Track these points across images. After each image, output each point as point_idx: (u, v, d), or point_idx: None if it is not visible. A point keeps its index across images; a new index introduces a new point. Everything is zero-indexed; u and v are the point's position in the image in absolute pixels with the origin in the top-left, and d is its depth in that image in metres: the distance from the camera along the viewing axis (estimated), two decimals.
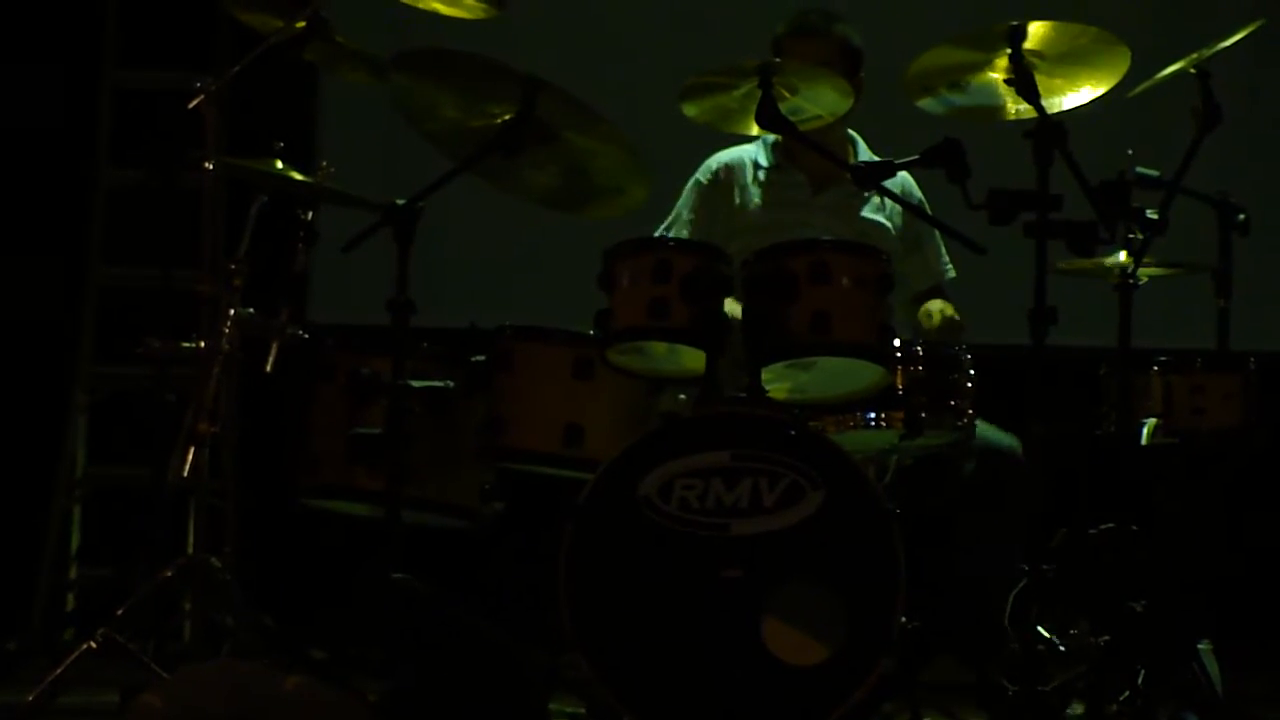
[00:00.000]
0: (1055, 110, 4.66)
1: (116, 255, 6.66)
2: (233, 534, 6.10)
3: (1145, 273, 4.93)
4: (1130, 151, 4.91)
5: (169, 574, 4.81)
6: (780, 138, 5.30)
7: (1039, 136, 4.47)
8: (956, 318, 5.13)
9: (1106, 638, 4.70)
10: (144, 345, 4.99)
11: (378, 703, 4.30)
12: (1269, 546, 6.40)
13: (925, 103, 4.78)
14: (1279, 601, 6.30)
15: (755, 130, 4.73)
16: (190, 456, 4.67)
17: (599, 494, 4.38)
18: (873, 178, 4.80)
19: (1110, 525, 4.88)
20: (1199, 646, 4.79)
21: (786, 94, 4.65)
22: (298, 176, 4.91)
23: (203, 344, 4.83)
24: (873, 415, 4.71)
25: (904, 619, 4.38)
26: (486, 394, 4.70)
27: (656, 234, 5.23)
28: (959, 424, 4.76)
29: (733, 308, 4.55)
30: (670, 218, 5.39)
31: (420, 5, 4.91)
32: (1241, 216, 5.25)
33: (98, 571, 6.45)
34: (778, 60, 4.74)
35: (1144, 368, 5.08)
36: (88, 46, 6.77)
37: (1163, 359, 5.10)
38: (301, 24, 4.91)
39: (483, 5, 4.87)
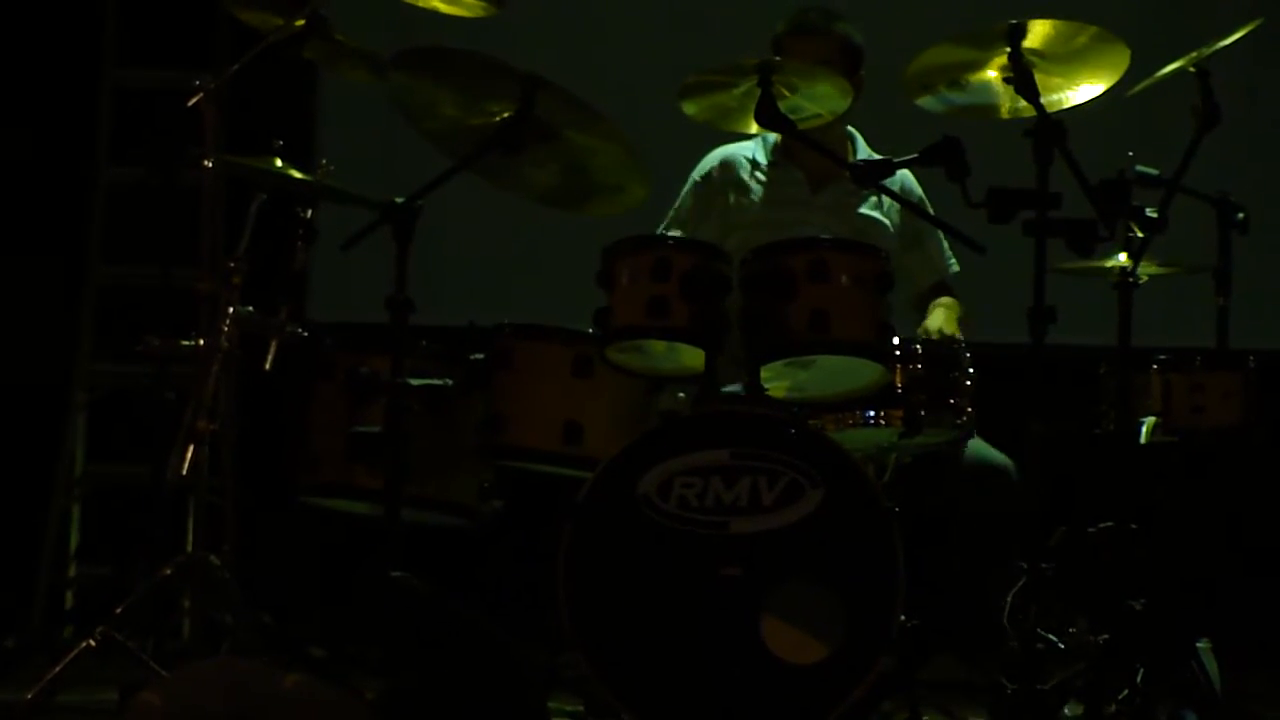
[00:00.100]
0: (1055, 109, 4.66)
1: (116, 253, 6.67)
2: (232, 532, 6.09)
3: (1145, 271, 4.93)
4: (1130, 151, 4.91)
5: (168, 572, 4.81)
6: (779, 136, 5.30)
7: (1038, 135, 4.47)
8: (956, 335, 5.11)
9: (1105, 636, 4.70)
10: (143, 343, 4.99)
11: (376, 701, 4.30)
12: (1268, 545, 6.40)
13: (925, 101, 4.78)
14: (1278, 600, 6.29)
15: (754, 129, 4.73)
16: (189, 454, 4.67)
17: (598, 492, 4.38)
18: (871, 176, 4.80)
19: (1109, 524, 4.88)
20: (1198, 645, 4.79)
21: (786, 92, 4.65)
22: (297, 175, 4.91)
23: (202, 342, 4.83)
24: (872, 413, 4.71)
25: (903, 617, 4.38)
26: (485, 392, 4.70)
27: (657, 232, 5.23)
28: (958, 422, 4.76)
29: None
30: (669, 216, 5.39)
31: (420, 3, 4.90)
32: (1241, 215, 5.26)
33: (97, 569, 6.45)
34: (777, 59, 4.74)
35: (1143, 366, 5.08)
36: (87, 45, 6.77)
37: (1162, 358, 5.10)
38: (301, 22, 4.91)
39: (482, 3, 4.86)
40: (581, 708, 4.66)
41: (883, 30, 5.66)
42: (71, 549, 6.57)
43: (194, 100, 4.90)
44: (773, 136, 5.33)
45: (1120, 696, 4.60)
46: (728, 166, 5.40)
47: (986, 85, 4.70)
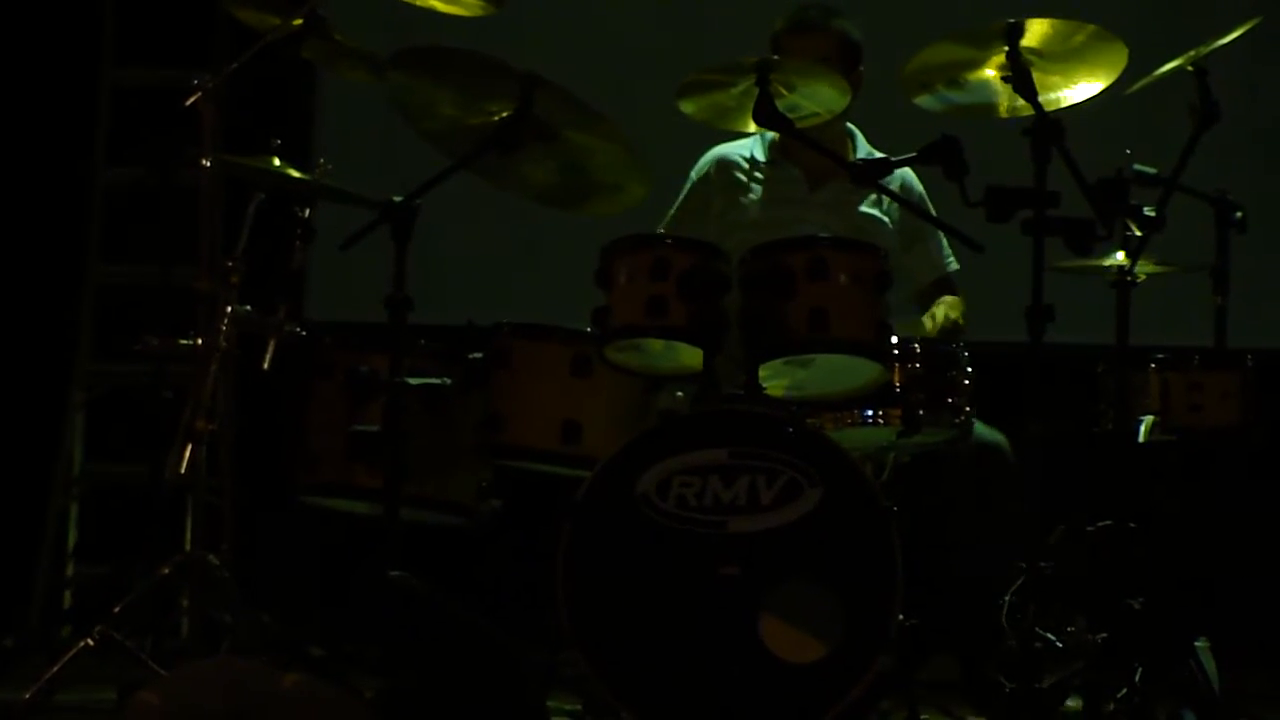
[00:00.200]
0: (1053, 107, 4.66)
1: (114, 253, 6.67)
2: (230, 531, 6.10)
3: (1143, 270, 4.93)
4: (1128, 149, 4.91)
5: (167, 571, 4.81)
6: (778, 135, 5.30)
7: (1037, 134, 4.47)
8: (960, 323, 5.13)
9: (1104, 635, 4.70)
10: (142, 342, 4.99)
11: (375, 700, 4.30)
12: (1266, 544, 6.40)
13: (923, 100, 4.78)
14: (1276, 600, 6.30)
15: (753, 127, 4.73)
16: (188, 454, 4.67)
17: (596, 491, 4.38)
18: (870, 175, 4.80)
19: (1108, 523, 4.88)
20: (1196, 644, 4.79)
21: (784, 91, 4.65)
22: (295, 174, 4.91)
23: (200, 341, 4.83)
24: (870, 412, 4.72)
25: (901, 617, 4.38)
26: (484, 391, 4.70)
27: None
28: (956, 421, 4.76)
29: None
30: (669, 216, 5.40)
31: (418, 3, 4.90)
32: (1239, 214, 5.26)
33: (95, 569, 6.45)
34: (775, 57, 4.74)
35: (1142, 365, 5.08)
36: (85, 44, 6.77)
37: (1160, 356, 5.10)
38: (299, 22, 4.91)
39: (480, 2, 4.86)
40: (580, 706, 4.67)
41: (882, 28, 5.66)
42: (70, 548, 6.57)
43: (192, 100, 4.90)
44: (770, 134, 5.33)
45: (1119, 696, 4.60)
46: (725, 166, 5.40)
47: (985, 84, 4.70)
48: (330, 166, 4.99)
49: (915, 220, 5.29)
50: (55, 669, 4.65)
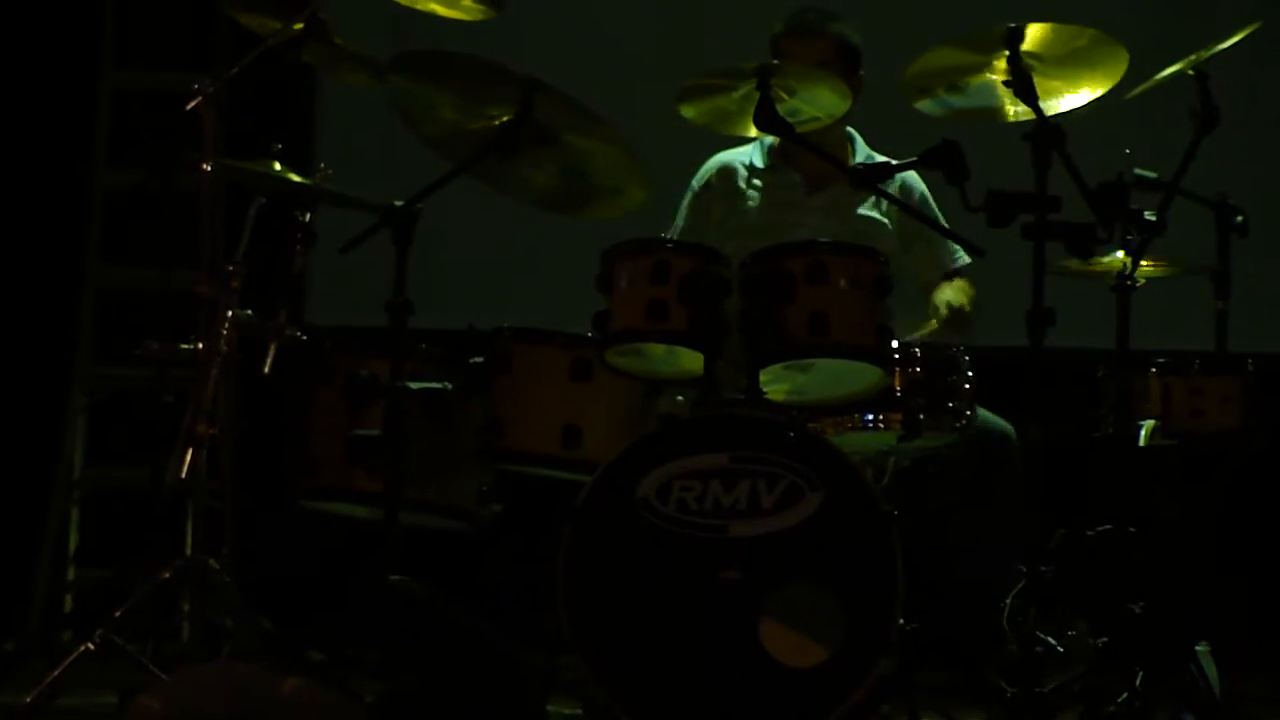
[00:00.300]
0: (1053, 112, 4.66)
1: (115, 256, 6.67)
2: (231, 535, 6.10)
3: (1143, 274, 4.93)
4: (1128, 153, 4.91)
5: (167, 575, 4.81)
6: (777, 139, 5.30)
7: (1037, 138, 4.47)
8: (965, 309, 5.11)
9: (1105, 639, 4.70)
10: (142, 346, 4.99)
11: (375, 704, 4.30)
12: (1267, 548, 6.41)
13: (923, 104, 4.78)
14: (1277, 603, 6.30)
15: (753, 132, 4.73)
16: (188, 458, 4.67)
17: (597, 495, 4.38)
18: (870, 180, 4.80)
19: (1108, 527, 4.88)
20: (1197, 648, 4.79)
21: (784, 95, 4.65)
22: (296, 178, 4.91)
23: (201, 345, 4.83)
24: (871, 417, 4.72)
25: (902, 621, 4.38)
26: (485, 396, 4.70)
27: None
28: (957, 425, 4.76)
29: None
30: (675, 226, 5.40)
31: (418, 7, 4.91)
32: (1240, 218, 5.25)
33: (96, 573, 6.44)
34: (775, 62, 4.74)
35: (1142, 369, 5.08)
36: (86, 47, 6.77)
37: (1161, 361, 5.10)
38: (300, 25, 4.91)
39: (480, 6, 4.87)
40: (580, 711, 4.66)
41: (883, 32, 5.66)
42: (70, 552, 6.57)
43: (193, 103, 4.90)
44: (770, 140, 5.33)
45: (1119, 700, 4.60)
46: (726, 174, 5.40)
47: (986, 88, 4.70)
48: (331, 171, 4.99)
49: (911, 220, 5.27)
50: (56, 673, 4.64)
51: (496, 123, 4.68)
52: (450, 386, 4.73)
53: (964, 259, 5.34)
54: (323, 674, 4.63)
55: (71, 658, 4.66)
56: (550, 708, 4.67)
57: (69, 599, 6.54)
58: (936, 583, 4.84)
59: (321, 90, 6.82)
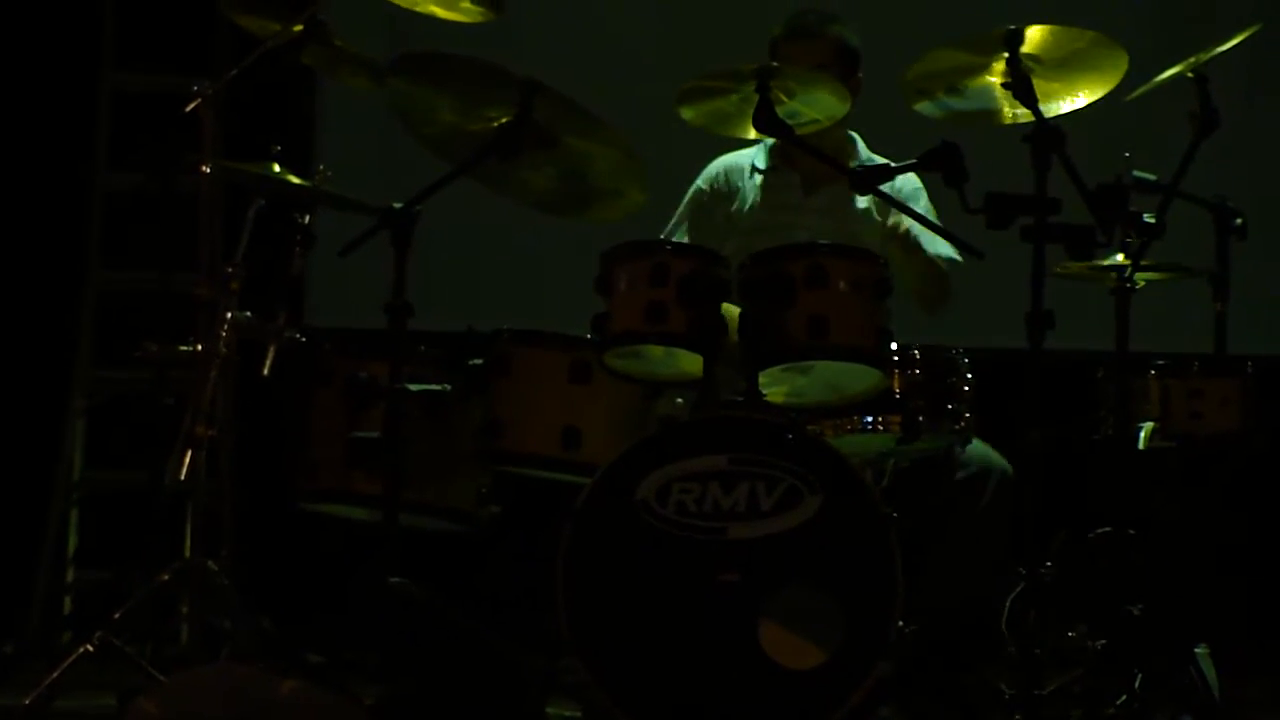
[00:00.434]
0: (1053, 114, 4.66)
1: (114, 259, 6.66)
2: (230, 537, 6.10)
3: (1142, 276, 4.93)
4: (1128, 155, 4.91)
5: (166, 577, 4.81)
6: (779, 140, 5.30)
7: (1037, 140, 4.47)
8: (910, 234, 5.10)
9: (1104, 642, 4.70)
10: (142, 349, 4.99)
11: (374, 706, 4.30)
12: (1267, 550, 6.40)
13: (922, 107, 4.77)
14: (1277, 606, 6.29)
15: (752, 134, 4.73)
16: (188, 460, 4.67)
17: (596, 497, 4.38)
18: (870, 182, 4.80)
19: (1108, 529, 4.88)
20: (1196, 651, 4.79)
21: (784, 98, 4.65)
22: (295, 180, 4.91)
23: (200, 347, 4.83)
24: (870, 419, 4.72)
25: (901, 623, 4.37)
26: (484, 397, 4.70)
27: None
28: (956, 428, 4.76)
29: (729, 311, 4.55)
30: (671, 223, 5.40)
31: (418, 9, 4.91)
32: (1239, 220, 5.26)
33: (95, 575, 6.44)
34: (775, 64, 4.74)
35: (1141, 372, 5.08)
36: (86, 49, 6.77)
37: (1160, 363, 5.10)
38: (299, 28, 4.91)
39: (480, 9, 4.87)
40: (580, 713, 4.66)
41: (882, 34, 5.66)
42: (70, 554, 6.56)
43: (192, 105, 4.91)
44: (773, 141, 5.33)
45: (1118, 702, 4.60)
46: (729, 175, 5.40)
47: (985, 90, 4.70)
48: (330, 173, 4.99)
49: (892, 209, 5.25)
50: (55, 675, 4.65)
51: (496, 125, 4.68)
52: (449, 388, 4.73)
53: (950, 252, 5.29)
54: (322, 676, 4.62)
55: (70, 659, 4.66)
56: (550, 710, 4.67)
57: (68, 601, 6.54)
58: (936, 584, 4.84)
59: (321, 92, 6.82)
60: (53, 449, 6.57)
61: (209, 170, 5.01)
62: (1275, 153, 6.84)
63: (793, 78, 4.65)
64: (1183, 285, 5.30)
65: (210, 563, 4.86)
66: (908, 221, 5.13)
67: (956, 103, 4.76)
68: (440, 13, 4.91)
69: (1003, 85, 4.62)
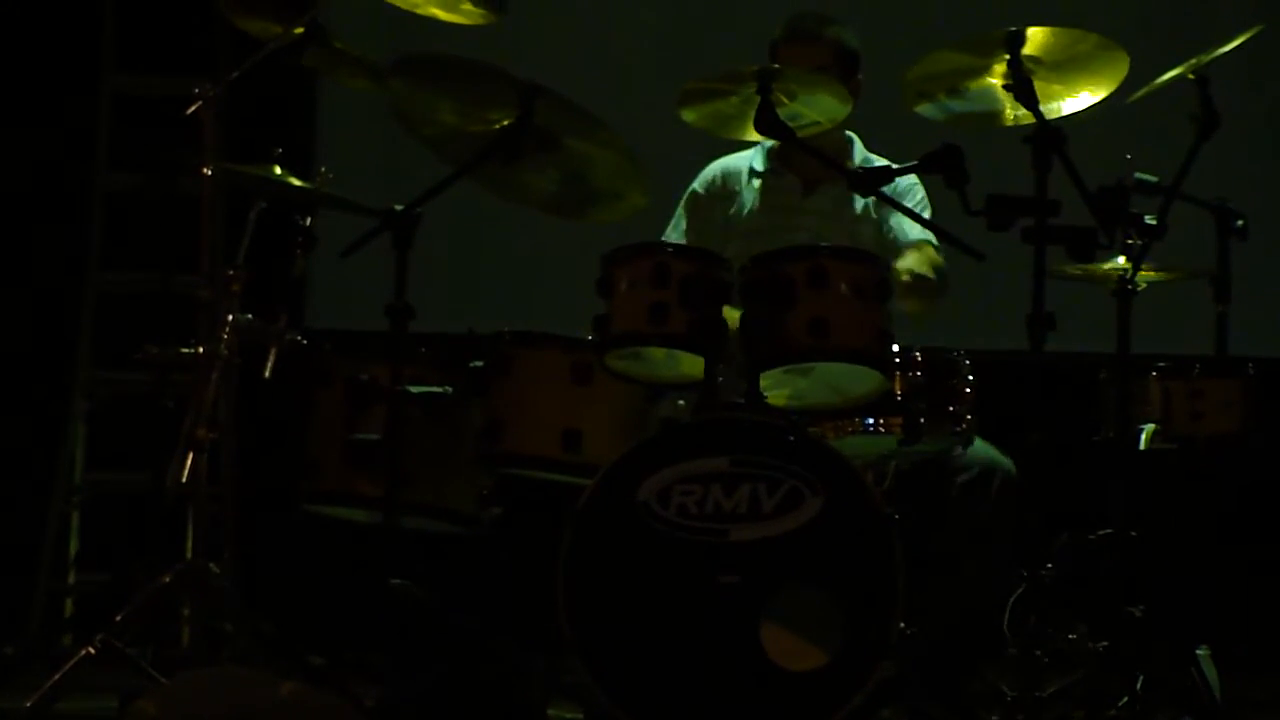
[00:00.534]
0: (1054, 116, 4.66)
1: (115, 261, 6.66)
2: (231, 540, 6.11)
3: (1144, 278, 4.93)
4: (1129, 157, 4.91)
5: (167, 580, 4.80)
6: (777, 142, 5.30)
7: (1038, 142, 4.47)
8: (929, 276, 5.08)
9: (1105, 643, 4.70)
10: (143, 351, 4.98)
11: (376, 708, 4.30)
12: (1268, 552, 6.40)
13: (923, 108, 4.77)
14: (1278, 607, 6.29)
15: (753, 136, 4.73)
16: (189, 462, 4.67)
17: (598, 499, 4.38)
18: (870, 184, 4.80)
19: (1109, 531, 4.88)
20: (1198, 652, 4.79)
21: (785, 100, 4.65)
22: (296, 182, 4.91)
23: (201, 349, 4.83)
24: (871, 421, 4.72)
25: (902, 624, 4.37)
26: (485, 399, 4.70)
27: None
28: (957, 430, 4.76)
29: (730, 314, 4.55)
30: (668, 227, 5.40)
31: (419, 11, 4.91)
32: (1240, 222, 5.25)
33: (96, 577, 6.44)
34: (775, 66, 4.74)
35: (1143, 373, 5.08)
36: (86, 51, 6.77)
37: (1161, 364, 5.10)
38: (300, 30, 4.91)
39: (481, 11, 4.87)
40: (581, 715, 4.66)
41: (881, 36, 5.66)
42: (71, 556, 6.56)
43: (193, 107, 4.90)
44: (771, 143, 5.33)
45: (1120, 703, 4.60)
46: (727, 178, 5.40)
47: (986, 92, 4.70)
48: (331, 174, 4.99)
49: (881, 206, 5.24)
50: (56, 677, 4.64)
51: (497, 127, 4.68)
52: (450, 390, 4.73)
53: (925, 235, 5.24)
54: (323, 678, 4.62)
55: (72, 662, 4.65)
56: (551, 711, 4.68)
57: (69, 603, 6.54)
58: (937, 585, 4.84)
59: (322, 94, 6.82)
60: (54, 451, 6.57)
61: (210, 172, 5.00)
62: (1276, 154, 6.84)
63: (794, 80, 4.65)
64: (1184, 287, 5.29)
65: (212, 565, 4.86)
66: (907, 262, 5.08)
67: (958, 104, 4.76)
68: (441, 15, 4.91)
69: (1004, 87, 4.63)
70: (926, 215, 5.18)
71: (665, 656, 4.32)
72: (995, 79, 4.65)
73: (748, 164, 5.41)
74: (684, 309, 4.48)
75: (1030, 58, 4.59)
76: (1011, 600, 4.72)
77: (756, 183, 5.38)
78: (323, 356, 4.86)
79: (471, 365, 4.75)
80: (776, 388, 4.59)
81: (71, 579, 6.55)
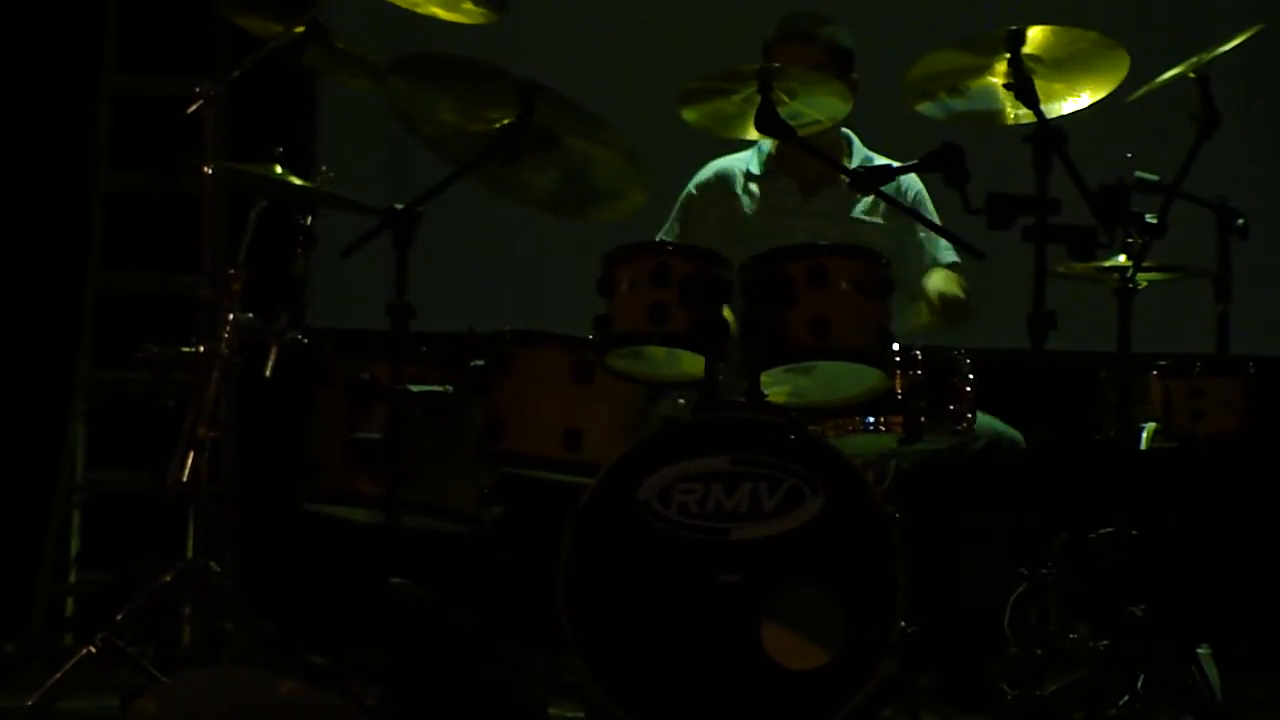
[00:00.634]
0: (1054, 115, 4.66)
1: (116, 260, 6.66)
2: (232, 539, 6.10)
3: (1144, 277, 4.92)
4: (1129, 156, 4.91)
5: (168, 579, 4.80)
6: (773, 144, 5.30)
7: (1038, 141, 4.47)
8: (960, 297, 5.10)
9: (1106, 642, 4.70)
10: (143, 350, 4.98)
11: (377, 708, 4.30)
12: (1268, 551, 6.40)
13: (924, 107, 4.77)
14: (1278, 606, 6.29)
15: (753, 135, 4.73)
16: (190, 461, 4.67)
17: (599, 498, 4.38)
18: (870, 183, 4.80)
19: (1110, 530, 4.88)
20: (1198, 651, 4.79)
21: (785, 99, 4.65)
22: (297, 181, 4.91)
23: (202, 349, 4.83)
24: (872, 420, 4.72)
25: (903, 623, 4.38)
26: (486, 398, 4.70)
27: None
28: (958, 428, 4.76)
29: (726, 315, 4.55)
30: (664, 228, 5.40)
31: (419, 10, 4.91)
32: (1240, 220, 5.25)
33: (97, 576, 6.44)
34: (776, 65, 4.74)
35: (1143, 372, 5.08)
36: (87, 50, 6.77)
37: (1162, 363, 5.10)
38: (300, 29, 4.91)
39: (482, 10, 4.87)
40: (582, 714, 4.66)
41: (881, 35, 5.66)
42: (72, 556, 6.56)
43: (194, 107, 4.90)
44: (766, 146, 5.34)
45: (1121, 703, 4.60)
46: (723, 180, 5.40)
47: (986, 91, 4.70)
48: (332, 174, 4.99)
49: (904, 216, 5.26)
50: (57, 676, 4.64)
51: (497, 126, 4.68)
52: (451, 389, 4.73)
53: (953, 256, 5.30)
54: (324, 678, 4.62)
55: (73, 661, 4.65)
56: (552, 710, 4.68)
57: (70, 602, 6.54)
58: (938, 584, 4.84)
59: (322, 93, 6.82)
60: (55, 450, 6.57)
61: (211, 171, 5.00)
62: (1277, 153, 6.84)
63: (794, 79, 4.65)
64: (1184, 286, 5.29)
65: (212, 564, 4.86)
66: (950, 289, 5.10)
67: (958, 103, 4.76)
68: (442, 14, 4.91)
69: (1004, 86, 4.63)
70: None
71: (666, 656, 4.32)
72: (996, 78, 4.65)
73: (743, 166, 5.40)
74: (684, 308, 4.48)
75: (1031, 56, 4.59)
76: (1012, 599, 4.72)
77: (754, 186, 5.38)
78: (323, 355, 4.86)
79: (472, 364, 4.75)
80: (777, 386, 4.59)
81: (72, 578, 6.55)
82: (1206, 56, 4.83)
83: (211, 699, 3.94)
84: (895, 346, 4.64)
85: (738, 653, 4.30)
